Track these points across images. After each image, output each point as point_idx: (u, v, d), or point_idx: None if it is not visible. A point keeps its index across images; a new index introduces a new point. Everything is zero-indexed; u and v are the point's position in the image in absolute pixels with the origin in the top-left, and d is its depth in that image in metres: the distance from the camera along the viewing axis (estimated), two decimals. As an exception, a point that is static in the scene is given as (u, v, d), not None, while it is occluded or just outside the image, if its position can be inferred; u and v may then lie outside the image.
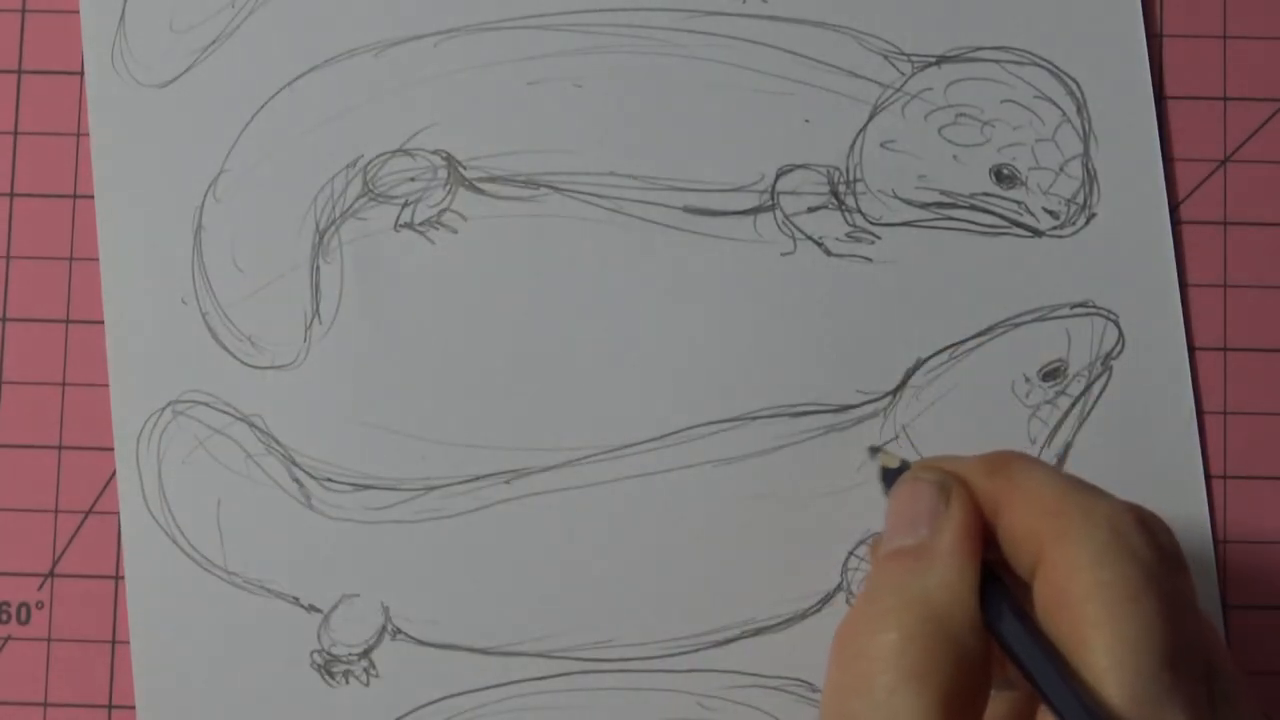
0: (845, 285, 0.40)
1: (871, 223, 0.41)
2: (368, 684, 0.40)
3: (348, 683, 0.40)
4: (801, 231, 0.41)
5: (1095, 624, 0.28)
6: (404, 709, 0.39)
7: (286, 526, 0.40)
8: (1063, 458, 0.40)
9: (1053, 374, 0.40)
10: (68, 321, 0.41)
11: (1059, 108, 0.41)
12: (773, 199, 0.41)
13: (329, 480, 0.40)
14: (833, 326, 0.40)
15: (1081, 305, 0.40)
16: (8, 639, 0.40)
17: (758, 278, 0.40)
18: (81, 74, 0.42)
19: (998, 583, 0.30)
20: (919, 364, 0.40)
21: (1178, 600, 0.29)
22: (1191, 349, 0.40)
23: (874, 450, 0.36)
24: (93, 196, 0.41)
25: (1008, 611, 0.30)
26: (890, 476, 0.34)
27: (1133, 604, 0.28)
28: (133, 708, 0.40)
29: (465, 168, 0.41)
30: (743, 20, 0.41)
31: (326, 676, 0.40)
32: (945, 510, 0.31)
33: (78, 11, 0.42)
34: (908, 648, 0.28)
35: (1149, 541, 0.29)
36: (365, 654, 0.40)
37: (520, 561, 0.40)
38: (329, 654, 0.40)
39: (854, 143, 0.41)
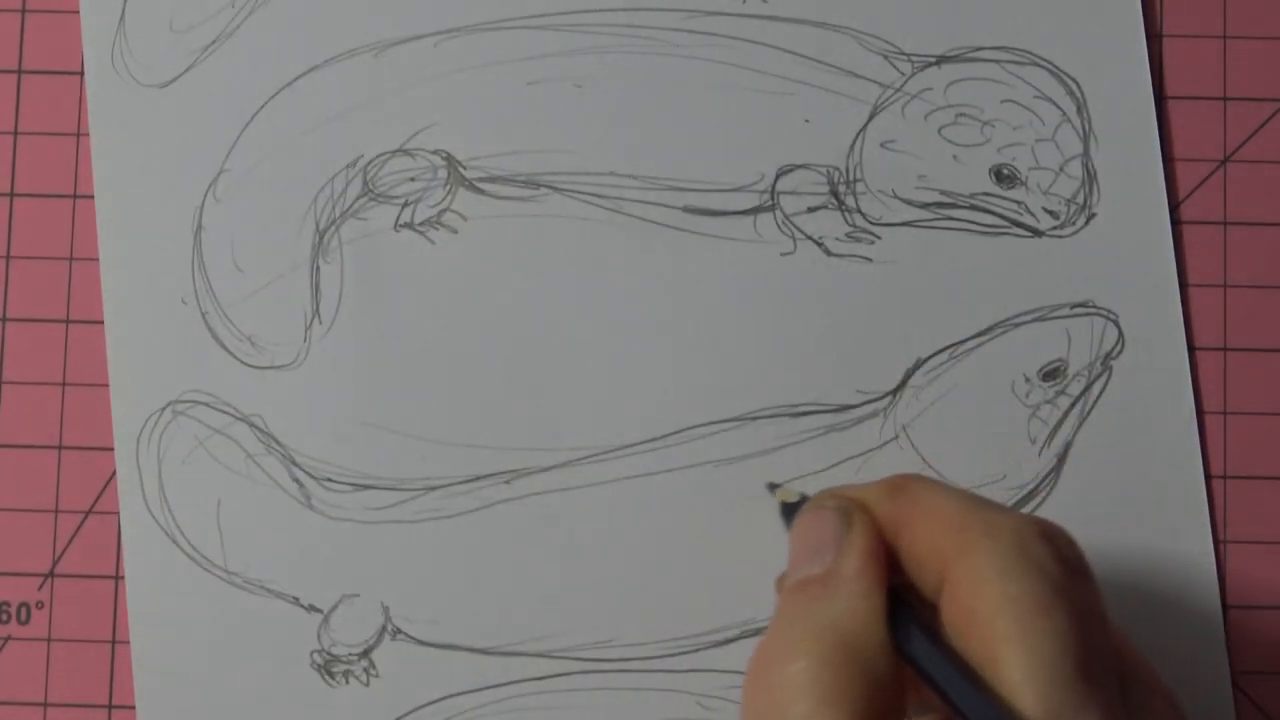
0: (845, 285, 0.40)
1: (871, 223, 0.41)
2: (368, 684, 0.40)
3: (348, 683, 0.40)
4: (801, 231, 0.41)
5: (1006, 639, 0.28)
6: (404, 709, 0.39)
7: (286, 526, 0.40)
8: (1063, 458, 0.40)
9: (1053, 374, 0.40)
10: (68, 321, 0.41)
11: (1059, 108, 0.41)
12: (773, 199, 0.41)
13: (329, 480, 0.40)
14: (833, 326, 0.40)
15: (1081, 305, 0.40)
16: (8, 639, 0.40)
17: (757, 278, 0.40)
18: (81, 74, 0.42)
19: (905, 605, 0.30)
20: (919, 364, 0.40)
21: (1087, 611, 0.28)
22: (1191, 349, 0.40)
23: (772, 487, 0.36)
24: (93, 196, 0.41)
25: (917, 632, 0.29)
26: (790, 511, 0.34)
27: (1042, 617, 0.28)
28: (133, 708, 0.40)
29: (465, 168, 0.41)
30: (743, 20, 0.41)
31: (326, 676, 0.40)
32: (848, 536, 0.31)
33: (78, 11, 0.42)
34: (820, 675, 0.28)
35: (1053, 554, 0.29)
36: (365, 654, 0.40)
37: (520, 561, 0.40)
38: (329, 654, 0.40)
39: (854, 143, 0.41)
